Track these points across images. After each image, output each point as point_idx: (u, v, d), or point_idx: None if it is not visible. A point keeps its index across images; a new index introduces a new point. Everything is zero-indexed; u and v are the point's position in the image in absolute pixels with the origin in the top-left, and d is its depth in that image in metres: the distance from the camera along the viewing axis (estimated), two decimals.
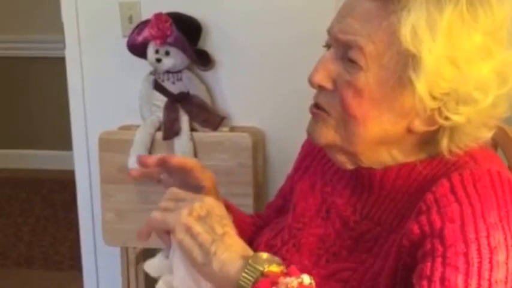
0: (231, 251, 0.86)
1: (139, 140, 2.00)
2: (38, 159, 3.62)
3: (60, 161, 3.38)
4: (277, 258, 0.86)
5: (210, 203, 0.90)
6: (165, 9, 1.97)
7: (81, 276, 2.36)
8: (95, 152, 2.12)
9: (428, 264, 0.82)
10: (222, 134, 2.04)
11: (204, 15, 2.03)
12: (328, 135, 0.96)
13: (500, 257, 0.82)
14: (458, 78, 0.88)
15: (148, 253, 2.17)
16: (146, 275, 2.18)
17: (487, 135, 0.95)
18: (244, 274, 0.83)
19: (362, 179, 1.01)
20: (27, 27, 3.47)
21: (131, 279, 2.15)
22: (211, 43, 2.06)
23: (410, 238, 0.87)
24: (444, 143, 0.93)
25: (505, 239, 0.83)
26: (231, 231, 0.89)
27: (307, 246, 1.02)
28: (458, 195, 0.86)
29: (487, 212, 0.84)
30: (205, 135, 2.03)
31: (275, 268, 0.83)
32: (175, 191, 0.96)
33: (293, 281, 0.81)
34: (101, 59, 2.14)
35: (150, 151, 2.02)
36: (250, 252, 0.87)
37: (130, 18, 2.07)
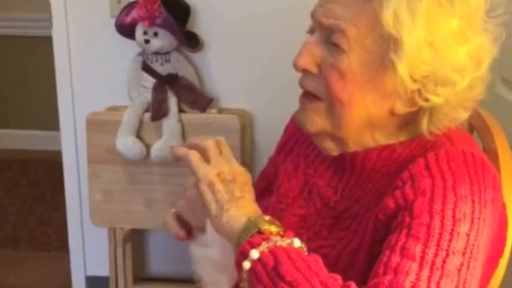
0: (241, 211, 0.94)
1: (127, 120, 2.01)
2: (24, 139, 3.61)
3: (47, 142, 3.37)
4: (278, 222, 0.93)
5: (237, 170, 0.98)
6: None
7: (68, 257, 2.36)
8: (82, 133, 2.13)
9: (395, 234, 0.87)
10: (210, 115, 2.05)
11: None
12: (318, 122, 1.00)
13: (462, 228, 0.86)
14: (437, 61, 0.92)
15: (136, 233, 2.19)
16: (134, 256, 2.21)
17: (464, 116, 0.99)
18: (244, 229, 0.91)
19: (344, 161, 1.04)
20: (15, 5, 3.46)
21: (118, 259, 2.16)
22: (200, 25, 2.06)
23: (386, 212, 0.91)
24: (424, 124, 0.97)
25: (472, 212, 0.87)
26: (248, 195, 0.97)
27: (289, 225, 1.04)
28: (432, 171, 0.90)
29: (459, 185, 0.88)
30: (193, 116, 2.04)
31: (273, 228, 0.91)
32: (222, 143, 1.02)
33: (284, 240, 0.88)
34: (88, 39, 2.14)
35: (138, 132, 2.03)
36: (259, 213, 0.95)
37: None
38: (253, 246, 0.88)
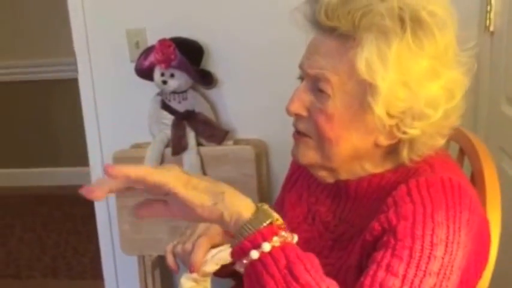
0: (233, 190, 0.93)
1: (150, 156, 2.10)
2: (58, 176, 3.72)
3: (79, 178, 3.48)
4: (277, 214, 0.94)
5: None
6: (168, 35, 2.08)
7: (103, 284, 2.47)
8: None
9: (381, 252, 0.97)
10: (227, 147, 2.14)
11: (206, 38, 2.15)
12: (309, 155, 1.12)
13: (439, 252, 0.96)
14: (411, 98, 1.03)
15: (163, 259, 2.28)
16: (162, 280, 2.31)
17: (441, 142, 1.10)
18: (253, 217, 0.91)
19: (340, 189, 1.17)
20: (45, 52, 3.62)
21: (148, 284, 2.26)
22: (214, 63, 2.17)
23: (373, 234, 1.01)
24: (404, 153, 1.08)
25: (447, 237, 0.97)
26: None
27: None
28: (413, 197, 1.00)
29: (436, 211, 0.98)
30: (211, 149, 2.13)
31: (279, 221, 0.93)
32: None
33: (290, 236, 0.93)
34: (111, 83, 2.25)
35: None
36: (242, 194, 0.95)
37: (137, 44, 2.19)
38: (265, 239, 0.89)
